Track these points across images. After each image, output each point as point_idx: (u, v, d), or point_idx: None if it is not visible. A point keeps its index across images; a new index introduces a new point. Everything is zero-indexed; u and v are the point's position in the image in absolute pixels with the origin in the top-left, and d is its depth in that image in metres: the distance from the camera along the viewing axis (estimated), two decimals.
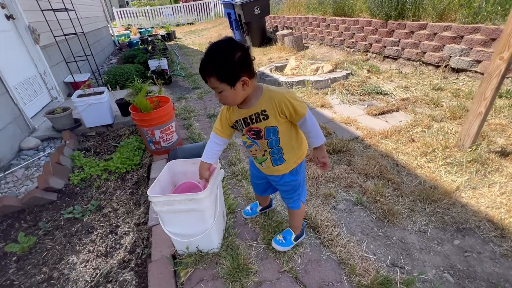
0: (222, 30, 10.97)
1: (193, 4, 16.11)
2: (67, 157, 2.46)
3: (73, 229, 1.82)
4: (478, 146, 2.03)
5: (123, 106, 3.07)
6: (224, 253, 1.41)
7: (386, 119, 2.80)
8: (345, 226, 1.57)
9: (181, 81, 4.85)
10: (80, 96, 2.87)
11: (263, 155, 1.21)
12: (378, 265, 1.33)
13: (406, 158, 2.12)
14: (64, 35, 3.60)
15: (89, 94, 2.93)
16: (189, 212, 1.26)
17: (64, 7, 3.68)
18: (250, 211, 1.67)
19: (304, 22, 7.04)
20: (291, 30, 7.30)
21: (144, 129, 2.24)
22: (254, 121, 1.10)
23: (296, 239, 1.44)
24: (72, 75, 3.93)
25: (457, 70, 3.55)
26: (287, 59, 5.27)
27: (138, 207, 1.99)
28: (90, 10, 6.49)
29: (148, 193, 1.21)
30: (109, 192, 2.17)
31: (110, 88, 3.01)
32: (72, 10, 4.14)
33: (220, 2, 15.61)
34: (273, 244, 1.43)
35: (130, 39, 9.14)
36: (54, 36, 3.57)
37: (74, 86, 3.98)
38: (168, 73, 4.73)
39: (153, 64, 4.63)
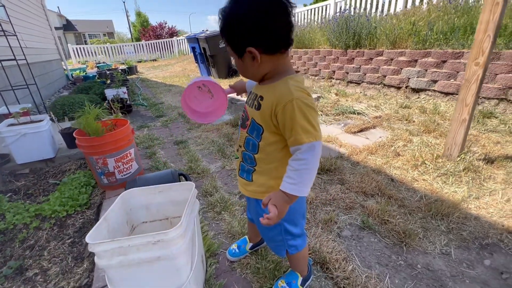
0: (186, 64, 10.98)
1: (156, 42, 16.23)
2: None
3: None
4: (466, 154, 1.97)
5: (70, 135, 2.55)
6: None
7: (366, 136, 2.72)
8: (358, 257, 1.26)
9: (143, 110, 4.44)
10: (11, 125, 2.32)
11: (237, 150, 0.92)
12: None
13: (399, 172, 1.96)
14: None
15: (25, 123, 2.38)
16: (152, 263, 0.85)
17: (1, 28, 3.20)
18: (237, 250, 1.28)
19: None
20: None
21: (94, 157, 1.79)
22: (250, 102, 0.84)
23: (303, 283, 1.08)
24: (6, 106, 3.30)
25: (417, 90, 3.77)
26: None
27: (80, 263, 1.45)
28: (38, 41, 5.96)
29: (87, 240, 0.79)
30: (39, 246, 1.59)
31: (54, 117, 2.50)
32: (13, 35, 3.65)
33: (183, 40, 16.02)
34: None
35: (86, 73, 8.54)
36: None
37: None
38: (128, 102, 4.30)
39: (110, 93, 4.19)
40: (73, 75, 8.35)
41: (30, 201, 2.01)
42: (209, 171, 2.15)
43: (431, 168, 1.95)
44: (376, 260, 1.25)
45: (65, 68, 8.09)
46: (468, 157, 1.95)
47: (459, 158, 1.96)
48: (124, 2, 28.80)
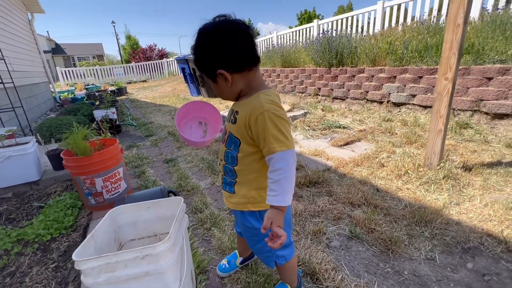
0: (176, 85, 11.14)
1: (146, 64, 16.47)
2: None
3: None
4: (444, 162, 2.07)
5: (57, 157, 2.52)
6: None
7: (351, 148, 2.81)
8: (347, 266, 1.28)
9: (133, 130, 4.43)
10: None
11: (219, 164, 0.97)
12: None
13: (384, 182, 2.03)
14: None
15: (10, 146, 2.35)
16: (141, 280, 0.84)
17: None
18: (227, 266, 1.27)
19: None
20: None
21: (81, 178, 1.77)
22: (228, 117, 0.91)
23: None
24: None
25: (398, 104, 3.96)
26: None
27: None
28: (26, 64, 5.96)
29: (73, 257, 0.79)
30: (20, 273, 1.52)
31: (41, 138, 2.48)
32: (1, 59, 3.67)
33: (173, 61, 16.33)
34: None
35: (74, 95, 8.52)
36: None
37: None
38: (117, 122, 4.30)
39: (99, 113, 4.18)
40: (61, 97, 8.30)
41: (12, 226, 1.94)
42: (199, 188, 2.15)
43: (414, 177, 2.03)
44: (365, 268, 1.27)
45: (52, 90, 8.05)
46: (447, 165, 2.04)
47: (439, 167, 2.05)
48: (114, 26, 29.35)
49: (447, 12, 4.57)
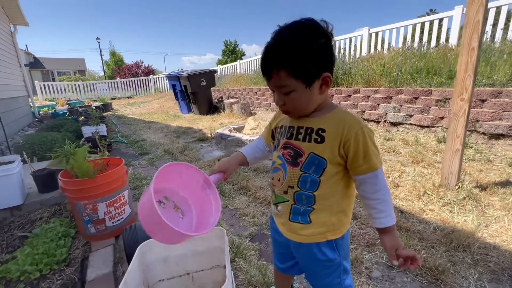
0: (164, 102, 10.92)
1: (131, 80, 16.17)
2: None
3: None
4: (462, 182, 2.06)
5: (44, 178, 2.25)
6: None
7: None
8: None
9: (124, 148, 4.17)
10: None
11: (285, 192, 0.80)
12: None
13: (405, 203, 1.97)
14: None
15: None
16: None
17: None
18: None
19: (248, 92, 7.58)
20: (237, 99, 7.70)
21: (82, 203, 1.55)
22: (301, 136, 0.76)
23: None
24: None
25: (395, 124, 4.05)
26: (244, 121, 5.28)
27: None
28: (5, 77, 5.58)
29: None
30: None
31: (27, 157, 2.21)
32: None
33: (160, 78, 16.18)
34: None
35: (55, 110, 8.04)
36: None
37: None
38: (107, 140, 4.03)
39: (88, 130, 3.91)
40: (40, 112, 7.81)
41: None
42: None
43: (434, 198, 1.99)
44: None
45: (31, 105, 7.56)
46: (465, 185, 2.03)
47: (457, 187, 2.03)
48: (99, 42, 28.98)
49: (437, 38, 4.93)
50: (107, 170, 1.70)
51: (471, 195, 1.94)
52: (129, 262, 1.30)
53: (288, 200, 0.80)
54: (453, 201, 1.92)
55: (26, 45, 35.89)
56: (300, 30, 0.67)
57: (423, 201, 1.98)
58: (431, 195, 2.02)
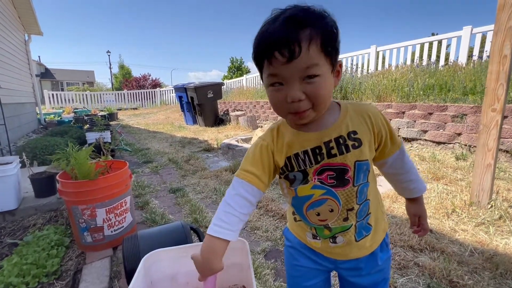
0: (170, 113, 10.94)
1: (138, 92, 16.40)
2: None
3: None
4: (495, 201, 1.88)
5: (42, 182, 2.11)
6: None
7: (378, 183, 2.59)
8: None
9: (127, 156, 4.04)
10: None
11: (345, 219, 0.64)
12: None
13: (433, 222, 1.78)
14: None
15: None
16: None
17: None
18: None
19: (255, 106, 7.54)
20: (243, 112, 7.66)
21: (79, 207, 1.40)
22: (336, 150, 0.60)
23: None
24: None
25: (409, 140, 3.91)
26: (250, 133, 5.18)
27: None
28: (14, 82, 5.61)
29: None
30: None
31: (27, 159, 2.09)
32: None
33: (166, 90, 16.39)
34: None
35: (60, 118, 8.04)
36: None
37: None
38: (111, 146, 3.92)
39: (92, 136, 3.82)
40: (46, 119, 7.81)
41: None
42: None
43: (465, 216, 1.81)
44: None
45: (38, 112, 7.58)
46: (498, 203, 1.85)
47: (489, 206, 1.85)
48: (109, 55, 29.84)
49: (446, 57, 4.92)
50: (110, 173, 1.57)
51: (508, 215, 1.76)
52: (127, 277, 1.13)
53: (351, 225, 0.65)
54: (487, 221, 1.73)
55: (39, 56, 37.04)
56: (324, 12, 0.55)
57: (453, 220, 1.80)
58: (461, 214, 1.84)
